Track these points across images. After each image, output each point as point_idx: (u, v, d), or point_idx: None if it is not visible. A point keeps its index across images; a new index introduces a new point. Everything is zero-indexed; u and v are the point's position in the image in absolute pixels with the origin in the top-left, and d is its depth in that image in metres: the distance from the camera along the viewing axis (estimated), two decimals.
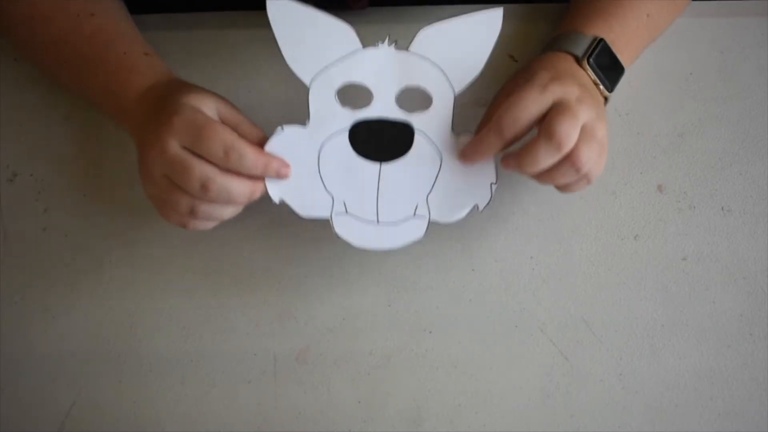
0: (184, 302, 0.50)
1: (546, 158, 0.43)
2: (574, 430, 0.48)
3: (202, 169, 0.42)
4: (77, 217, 0.52)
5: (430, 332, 0.50)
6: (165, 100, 0.45)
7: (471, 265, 0.51)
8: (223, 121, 0.44)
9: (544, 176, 0.45)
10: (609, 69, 0.50)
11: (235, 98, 0.54)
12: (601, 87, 0.49)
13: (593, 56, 0.49)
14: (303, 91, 0.54)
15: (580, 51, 0.49)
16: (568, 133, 0.42)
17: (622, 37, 0.50)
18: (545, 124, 0.43)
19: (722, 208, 0.53)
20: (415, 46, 0.47)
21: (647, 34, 0.53)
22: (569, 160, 0.43)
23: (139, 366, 0.49)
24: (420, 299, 0.51)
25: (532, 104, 0.43)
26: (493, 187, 0.47)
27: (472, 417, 0.48)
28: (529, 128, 0.44)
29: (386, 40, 0.46)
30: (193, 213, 0.44)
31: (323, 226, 0.47)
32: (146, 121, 0.46)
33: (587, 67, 0.48)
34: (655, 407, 0.48)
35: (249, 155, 0.42)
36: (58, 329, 0.50)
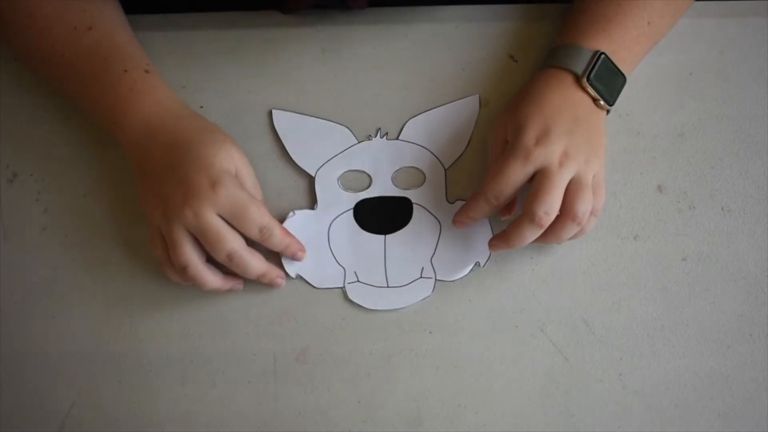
0: (184, 302, 0.50)
1: (531, 236, 0.47)
2: (574, 430, 0.48)
3: (234, 244, 0.46)
4: (77, 217, 0.52)
5: (430, 332, 0.50)
6: (186, 147, 0.47)
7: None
8: (236, 174, 0.48)
9: (550, 238, 0.48)
10: (610, 81, 0.50)
11: (235, 98, 0.54)
12: (602, 102, 0.50)
13: (593, 72, 0.49)
14: (304, 90, 0.54)
15: (579, 68, 0.49)
16: (547, 211, 0.46)
17: (623, 46, 0.51)
18: (526, 204, 0.47)
19: (722, 208, 0.53)
20: (404, 134, 0.53)
21: (648, 41, 0.53)
22: (567, 217, 0.47)
23: (139, 366, 0.49)
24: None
25: (515, 176, 0.47)
26: None
27: (472, 417, 0.48)
28: (516, 194, 0.48)
29: (377, 133, 0.53)
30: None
31: None
32: (162, 162, 0.48)
33: (587, 85, 0.49)
34: (655, 407, 0.48)
35: (277, 235, 0.48)
36: (58, 329, 0.50)
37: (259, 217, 0.46)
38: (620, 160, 0.54)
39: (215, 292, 0.49)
